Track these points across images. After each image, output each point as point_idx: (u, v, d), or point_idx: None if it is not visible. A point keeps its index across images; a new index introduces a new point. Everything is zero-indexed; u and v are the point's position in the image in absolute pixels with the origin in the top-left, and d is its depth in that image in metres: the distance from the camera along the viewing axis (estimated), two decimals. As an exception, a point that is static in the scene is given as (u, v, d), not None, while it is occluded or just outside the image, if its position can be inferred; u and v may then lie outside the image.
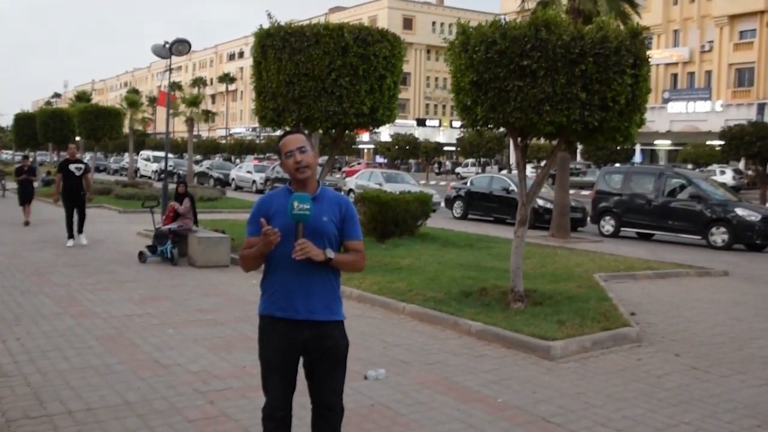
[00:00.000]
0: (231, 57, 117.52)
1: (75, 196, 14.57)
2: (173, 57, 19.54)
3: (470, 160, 65.79)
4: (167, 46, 19.64)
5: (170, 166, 39.33)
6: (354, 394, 5.66)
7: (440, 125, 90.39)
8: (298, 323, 3.56)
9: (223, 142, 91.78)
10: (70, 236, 14.53)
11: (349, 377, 4.00)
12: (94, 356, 6.68)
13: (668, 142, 57.25)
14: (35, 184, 21.22)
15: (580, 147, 43.07)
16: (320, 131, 12.51)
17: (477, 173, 48.13)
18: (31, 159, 27.31)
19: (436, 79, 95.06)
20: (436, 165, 71.94)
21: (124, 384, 5.89)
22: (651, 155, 58.93)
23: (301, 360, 3.67)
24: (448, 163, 75.36)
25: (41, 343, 7.08)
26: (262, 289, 3.69)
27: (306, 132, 3.70)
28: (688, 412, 5.69)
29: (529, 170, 41.01)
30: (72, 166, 14.59)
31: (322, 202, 3.59)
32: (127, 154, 52.36)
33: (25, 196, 18.92)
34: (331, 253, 3.51)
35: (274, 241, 3.42)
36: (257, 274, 3.73)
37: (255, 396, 5.12)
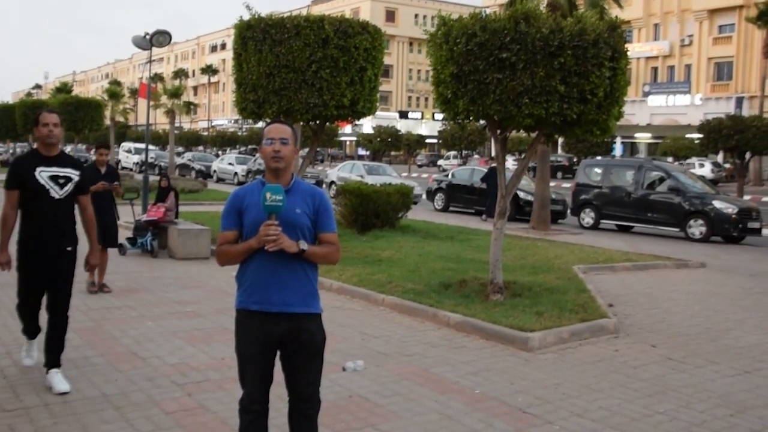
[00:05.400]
0: (213, 48, 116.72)
1: (51, 257, 5.75)
2: (155, 48, 19.43)
3: (454, 153, 65.79)
4: (148, 37, 19.51)
5: (152, 158, 39.12)
6: (332, 386, 5.68)
7: (422, 118, 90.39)
8: (274, 316, 3.56)
9: (205, 134, 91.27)
10: (31, 335, 6.09)
11: (328, 369, 4.02)
12: (72, 349, 6.63)
13: (648, 135, 57.73)
14: None
15: (561, 140, 43.41)
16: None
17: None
18: None
19: (419, 71, 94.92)
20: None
21: (102, 376, 5.88)
22: (631, 148, 59.38)
23: (279, 353, 3.67)
24: (422, 156, 74.45)
25: (18, 336, 6.99)
26: (238, 283, 3.68)
27: (293, 127, 3.67)
28: (663, 402, 5.76)
29: (511, 162, 41.24)
30: (43, 175, 5.46)
31: (296, 195, 3.58)
32: (107, 146, 51.91)
33: None
34: (304, 245, 3.51)
35: (272, 237, 3.39)
36: (237, 266, 3.72)
37: (233, 388, 5.12)
